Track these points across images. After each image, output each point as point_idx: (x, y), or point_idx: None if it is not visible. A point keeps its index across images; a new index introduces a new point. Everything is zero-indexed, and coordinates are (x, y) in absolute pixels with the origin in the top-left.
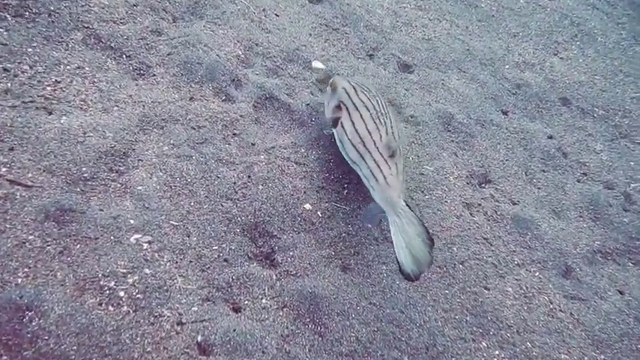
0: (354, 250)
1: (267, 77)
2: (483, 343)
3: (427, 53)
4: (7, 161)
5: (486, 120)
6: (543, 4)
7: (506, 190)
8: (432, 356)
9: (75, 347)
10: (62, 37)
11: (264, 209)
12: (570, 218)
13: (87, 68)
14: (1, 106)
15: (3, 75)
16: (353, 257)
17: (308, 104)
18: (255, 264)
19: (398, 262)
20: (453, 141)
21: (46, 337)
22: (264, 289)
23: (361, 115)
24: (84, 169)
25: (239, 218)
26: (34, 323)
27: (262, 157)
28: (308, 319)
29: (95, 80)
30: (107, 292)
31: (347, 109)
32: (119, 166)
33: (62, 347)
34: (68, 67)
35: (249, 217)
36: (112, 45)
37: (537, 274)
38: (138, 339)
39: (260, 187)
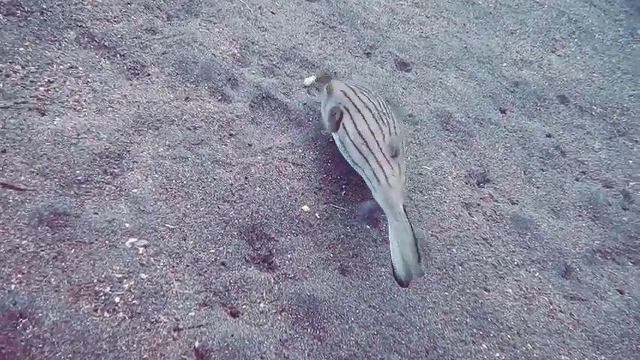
0: (353, 252)
1: (263, 76)
2: (484, 345)
3: (425, 51)
4: (0, 164)
5: (485, 119)
6: (540, 1)
7: (505, 190)
8: (432, 359)
9: (70, 355)
10: (55, 36)
11: (262, 211)
12: (569, 217)
13: (80, 68)
14: None
15: None
16: (352, 259)
17: (305, 104)
18: (252, 267)
19: (392, 266)
20: (451, 140)
21: (41, 345)
22: (262, 293)
23: (363, 116)
24: (78, 171)
25: (236, 221)
26: (28, 331)
27: (259, 158)
28: (307, 323)
29: (89, 80)
30: (102, 297)
31: (348, 111)
32: (114, 168)
33: (57, 355)
34: (61, 66)
35: (247, 219)
36: (106, 44)
37: (537, 274)
38: (134, 346)
39: (257, 188)
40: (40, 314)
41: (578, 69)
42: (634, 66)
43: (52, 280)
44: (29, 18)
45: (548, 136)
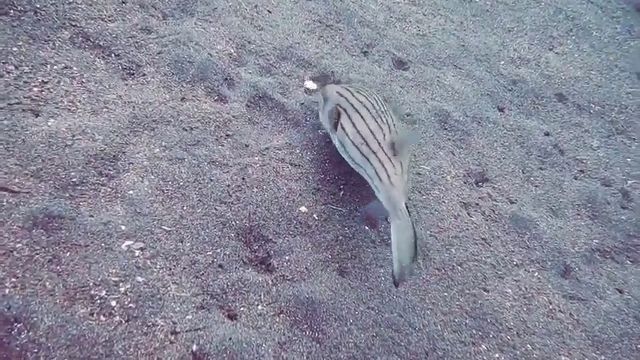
0: (351, 253)
1: (260, 76)
2: (483, 346)
3: (422, 49)
4: None
5: (483, 117)
6: None
7: (504, 189)
8: None
9: None
10: (49, 36)
11: (259, 212)
12: (568, 216)
13: (75, 68)
14: None
15: None
16: (350, 260)
17: (302, 103)
18: (250, 269)
19: (392, 264)
20: (449, 139)
21: (36, 350)
22: (259, 295)
23: (362, 116)
24: (73, 173)
25: (233, 222)
26: (23, 335)
27: (256, 158)
28: (305, 326)
29: (83, 80)
30: (98, 301)
31: (346, 111)
32: (109, 169)
33: None
34: (55, 66)
35: (244, 220)
36: (101, 43)
37: (536, 274)
38: (131, 350)
39: (254, 189)
40: (35, 318)
41: (576, 67)
42: (631, 63)
43: (47, 283)
44: (22, 17)
45: (547, 134)
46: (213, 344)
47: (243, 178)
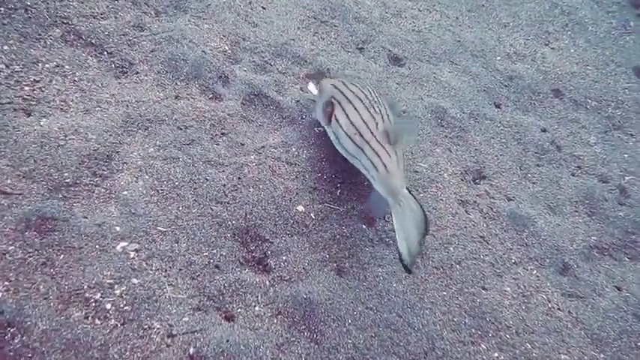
0: (349, 252)
1: (255, 73)
2: (482, 346)
3: (418, 45)
4: None
5: (479, 114)
6: None
7: (501, 186)
8: None
9: None
10: (40, 34)
11: (256, 212)
12: (566, 213)
13: (67, 66)
14: None
15: None
16: (348, 260)
17: (298, 101)
18: (247, 270)
19: (399, 252)
20: (446, 136)
21: (30, 355)
22: (257, 296)
23: (355, 107)
24: (66, 174)
25: (229, 222)
26: (16, 340)
27: (252, 157)
28: (303, 327)
29: (76, 79)
30: (93, 304)
31: (339, 103)
32: (103, 170)
33: None
34: (47, 65)
35: (240, 220)
36: (93, 41)
37: (535, 272)
38: (127, 354)
39: (251, 189)
40: (29, 323)
41: (572, 62)
42: (627, 58)
43: (41, 287)
44: (13, 15)
45: (544, 130)
46: (211, 347)
47: (239, 178)
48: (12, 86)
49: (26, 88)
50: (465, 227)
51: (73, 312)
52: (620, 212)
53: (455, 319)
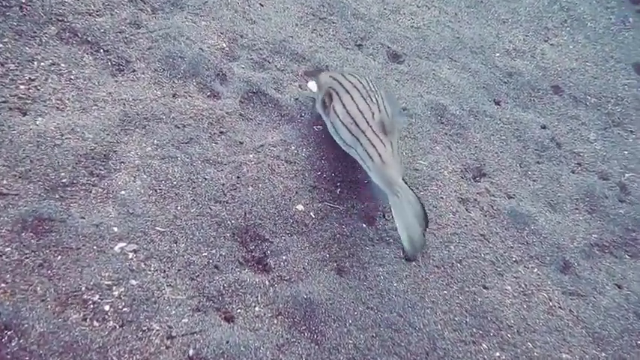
0: (349, 251)
1: (253, 71)
2: (484, 345)
3: (417, 42)
4: None
5: (479, 111)
6: None
7: (502, 184)
8: None
9: None
10: (35, 32)
11: (255, 212)
12: (566, 211)
13: (62, 65)
14: None
15: None
16: (348, 259)
17: (297, 99)
18: (247, 270)
19: (401, 243)
20: (446, 134)
21: (28, 358)
22: (257, 297)
23: (352, 97)
24: (62, 174)
25: (229, 222)
26: (13, 343)
27: (251, 156)
28: (304, 327)
29: (72, 77)
30: (91, 306)
31: (337, 92)
32: (100, 169)
33: None
34: (42, 63)
35: (240, 220)
36: (89, 39)
37: (536, 270)
38: (126, 356)
39: (250, 188)
40: (27, 325)
41: (572, 58)
42: (627, 54)
43: (38, 288)
44: (7, 13)
45: (543, 127)
46: (210, 348)
47: (238, 177)
48: (7, 85)
49: (21, 86)
50: (466, 225)
51: (70, 314)
52: (621, 209)
53: (456, 319)
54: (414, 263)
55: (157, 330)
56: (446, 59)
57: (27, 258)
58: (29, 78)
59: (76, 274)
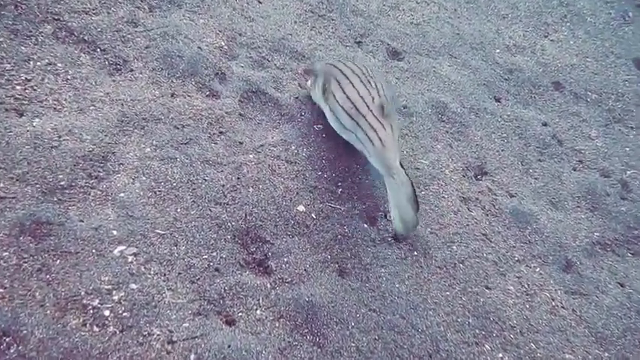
0: (351, 252)
1: (252, 70)
2: (487, 346)
3: (416, 39)
4: None
5: (480, 108)
6: None
7: (503, 182)
8: None
9: None
10: (31, 31)
11: (256, 213)
12: (568, 209)
13: (59, 64)
14: None
15: None
16: (350, 260)
17: (297, 97)
18: (248, 272)
19: (392, 222)
20: (447, 132)
21: None
22: (258, 299)
23: (351, 82)
24: (60, 176)
25: (229, 224)
26: (12, 350)
27: (251, 156)
28: (306, 330)
29: (68, 77)
30: (91, 311)
31: (335, 78)
32: (98, 171)
33: None
34: (39, 63)
35: (240, 222)
36: (85, 38)
37: (538, 269)
38: None
39: (250, 189)
40: (25, 331)
41: (572, 54)
42: (627, 50)
43: (37, 294)
44: (2, 12)
45: (545, 124)
46: (212, 352)
47: (238, 178)
48: (3, 85)
49: (18, 87)
50: (468, 225)
51: (70, 319)
52: (623, 207)
53: (459, 320)
54: (416, 264)
55: (158, 335)
56: (446, 56)
57: (25, 262)
58: (25, 78)
59: (76, 279)
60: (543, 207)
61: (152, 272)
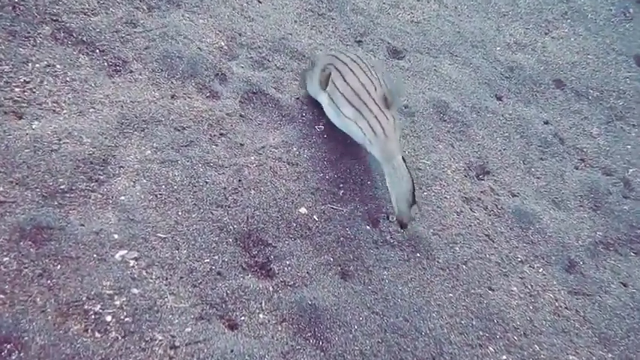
0: (354, 254)
1: (253, 70)
2: (490, 348)
3: (417, 37)
4: None
5: (481, 107)
6: None
7: (506, 182)
8: None
9: None
10: (29, 32)
11: (258, 216)
12: (571, 208)
13: (58, 66)
14: None
15: None
16: (352, 263)
17: (297, 98)
18: (250, 275)
19: (394, 210)
20: (449, 131)
21: None
22: (260, 303)
23: (352, 70)
24: (61, 179)
25: (231, 227)
26: (13, 357)
27: (252, 158)
28: (309, 334)
29: (68, 79)
30: (93, 316)
31: (336, 67)
32: (99, 174)
33: None
34: (37, 65)
35: (242, 224)
36: (84, 39)
37: (541, 270)
38: None
39: (252, 191)
40: (27, 338)
41: (573, 51)
42: (628, 46)
43: (38, 299)
44: (0, 13)
45: (546, 123)
46: (215, 357)
47: (240, 180)
48: (1, 88)
49: (16, 89)
50: (470, 226)
51: (72, 325)
52: (625, 206)
53: (462, 322)
54: (419, 266)
55: (160, 340)
56: (447, 54)
57: (26, 268)
58: (24, 80)
59: (77, 284)
60: (546, 206)
61: (154, 277)
